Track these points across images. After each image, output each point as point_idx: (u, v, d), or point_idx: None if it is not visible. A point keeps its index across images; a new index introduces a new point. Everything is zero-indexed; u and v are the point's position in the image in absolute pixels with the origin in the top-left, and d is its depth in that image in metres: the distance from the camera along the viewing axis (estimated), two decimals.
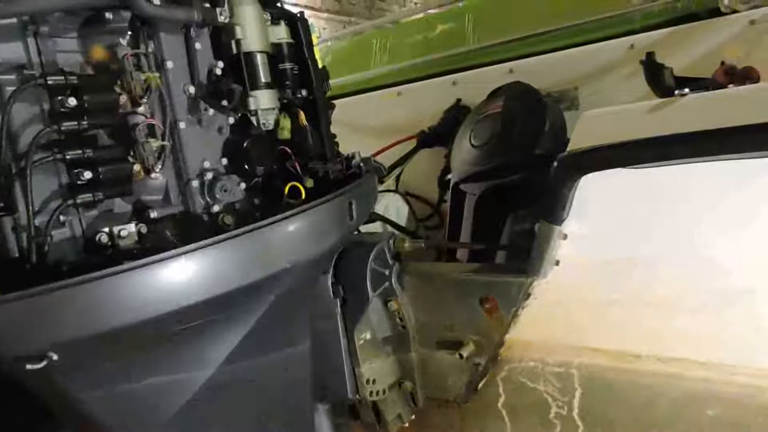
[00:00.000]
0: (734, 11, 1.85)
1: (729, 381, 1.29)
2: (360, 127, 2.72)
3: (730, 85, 1.32)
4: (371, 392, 1.70)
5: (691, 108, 1.24)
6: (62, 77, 1.09)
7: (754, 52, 1.70)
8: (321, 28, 8.38)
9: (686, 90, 1.26)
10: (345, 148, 1.65)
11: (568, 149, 1.36)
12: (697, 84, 1.33)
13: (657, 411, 1.38)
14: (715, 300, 1.29)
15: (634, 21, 2.07)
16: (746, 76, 1.41)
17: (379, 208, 2.29)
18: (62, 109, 1.08)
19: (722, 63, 1.52)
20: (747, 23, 1.81)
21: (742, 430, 1.29)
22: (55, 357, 1.01)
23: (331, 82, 1.63)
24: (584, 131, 1.37)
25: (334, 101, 1.66)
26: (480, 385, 1.61)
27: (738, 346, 1.29)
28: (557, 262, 1.42)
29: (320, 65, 1.57)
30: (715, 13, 1.88)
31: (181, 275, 1.06)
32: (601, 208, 1.36)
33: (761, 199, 1.21)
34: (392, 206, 2.45)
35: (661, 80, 1.43)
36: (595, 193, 1.32)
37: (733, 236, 1.25)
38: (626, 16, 2.07)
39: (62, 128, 1.09)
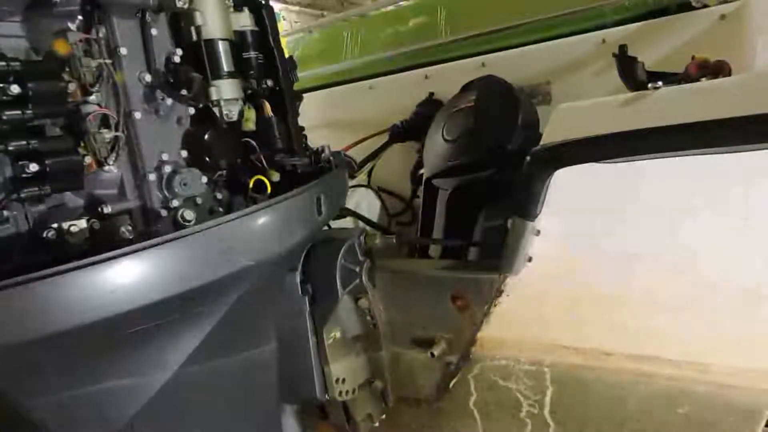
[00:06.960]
0: (705, 6, 1.85)
1: (699, 379, 1.29)
2: (331, 120, 2.67)
3: (703, 79, 1.30)
4: (341, 392, 1.67)
5: (664, 101, 1.23)
6: (4, 63, 1.02)
7: (726, 46, 1.69)
8: (293, 22, 8.27)
9: (659, 83, 1.24)
10: (316, 143, 1.60)
11: (541, 144, 1.34)
12: (670, 78, 1.31)
13: (627, 409, 1.37)
14: (686, 298, 1.28)
15: (605, 15, 2.06)
16: (719, 69, 1.40)
17: (351, 204, 2.25)
18: (4, 97, 1.02)
19: (693, 57, 1.51)
20: (718, 18, 1.81)
21: (712, 429, 1.29)
22: None
23: (301, 75, 1.58)
24: (557, 125, 1.34)
25: (305, 94, 1.61)
26: (451, 384, 1.59)
27: (708, 344, 1.29)
28: (530, 259, 1.39)
29: (287, 55, 1.52)
30: (686, 7, 1.88)
31: (133, 275, 1.00)
32: (575, 204, 1.34)
33: (736, 194, 1.19)
34: (364, 201, 2.41)
35: (633, 74, 1.42)
36: (568, 188, 1.30)
37: (706, 232, 1.24)
38: (598, 11, 2.06)
39: (4, 117, 1.02)
